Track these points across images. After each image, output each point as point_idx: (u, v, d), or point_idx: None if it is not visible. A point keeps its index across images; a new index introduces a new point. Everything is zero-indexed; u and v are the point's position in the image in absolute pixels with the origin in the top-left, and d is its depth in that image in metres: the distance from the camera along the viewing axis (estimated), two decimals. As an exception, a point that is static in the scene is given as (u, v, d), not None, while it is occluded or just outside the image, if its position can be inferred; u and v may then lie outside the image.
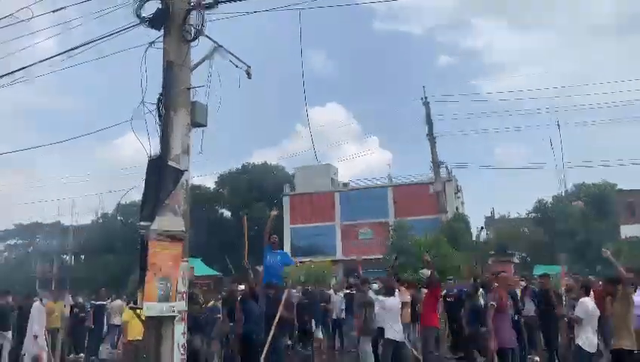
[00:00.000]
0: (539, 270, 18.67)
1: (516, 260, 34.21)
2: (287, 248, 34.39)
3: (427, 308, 9.18)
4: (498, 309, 7.28)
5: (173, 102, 5.68)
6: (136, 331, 9.48)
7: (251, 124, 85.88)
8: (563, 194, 36.14)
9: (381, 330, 8.72)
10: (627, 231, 32.97)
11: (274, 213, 9.75)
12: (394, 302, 8.57)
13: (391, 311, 8.41)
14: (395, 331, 8.27)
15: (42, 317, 10.75)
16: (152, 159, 5.60)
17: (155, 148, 5.70)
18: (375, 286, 10.76)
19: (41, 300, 11.84)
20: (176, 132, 5.62)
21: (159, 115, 5.76)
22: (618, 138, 64.44)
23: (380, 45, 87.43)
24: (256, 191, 43.96)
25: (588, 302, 7.09)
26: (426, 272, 10.22)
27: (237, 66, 6.61)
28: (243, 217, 9.93)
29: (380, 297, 8.91)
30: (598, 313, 7.01)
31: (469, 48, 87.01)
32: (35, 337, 10.54)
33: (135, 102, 5.78)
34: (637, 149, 67.02)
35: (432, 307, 9.18)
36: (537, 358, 10.47)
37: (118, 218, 47.27)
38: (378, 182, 38.37)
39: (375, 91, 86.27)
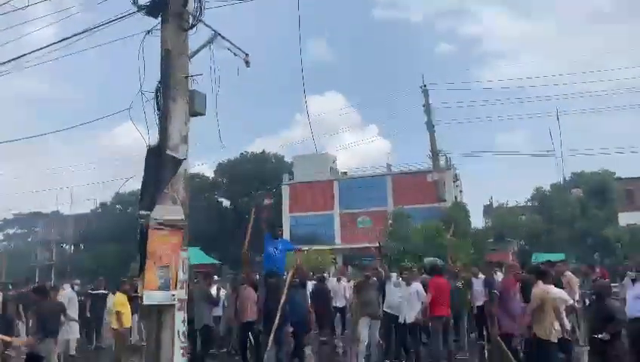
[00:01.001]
0: (537, 258, 18.77)
1: (515, 248, 34.38)
2: (286, 237, 34.44)
3: (431, 297, 9.23)
4: (501, 297, 7.58)
5: (172, 91, 5.65)
6: (127, 319, 9.74)
7: (250, 113, 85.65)
8: (562, 182, 36.22)
9: (396, 317, 9.22)
10: (626, 218, 33.08)
11: (268, 201, 9.77)
12: (413, 289, 9.14)
13: (412, 297, 9.05)
14: (411, 316, 8.94)
15: (72, 304, 10.91)
16: (150, 148, 5.60)
17: (153, 137, 5.71)
18: (394, 275, 11.08)
19: (72, 287, 12.17)
20: (175, 121, 5.61)
21: (157, 104, 5.74)
22: (617, 126, 64.52)
23: (379, 33, 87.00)
24: (255, 179, 43.99)
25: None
26: (431, 260, 10.49)
27: (235, 55, 6.58)
28: (251, 210, 9.82)
29: (401, 286, 9.39)
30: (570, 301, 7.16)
31: (468, 35, 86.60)
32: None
33: (134, 91, 5.77)
34: (636, 137, 67.09)
35: (433, 296, 9.15)
36: None
37: (117, 207, 47.36)
38: (377, 171, 38.38)
39: (375, 79, 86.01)
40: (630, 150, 45.23)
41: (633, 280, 7.94)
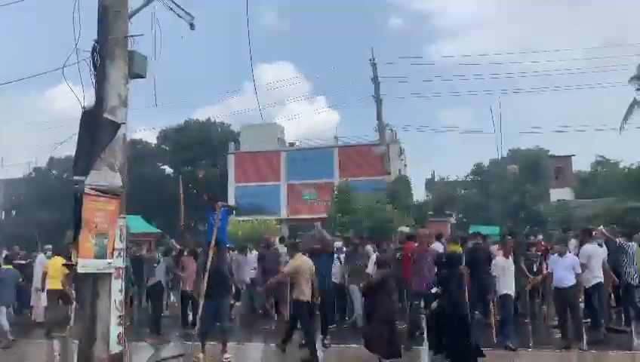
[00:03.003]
0: (474, 229, 19.57)
1: (453, 220, 35.75)
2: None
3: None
4: (417, 262, 8.70)
5: (110, 51, 5.36)
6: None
7: (196, 79, 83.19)
8: (499, 158, 37.75)
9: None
10: (556, 194, 35.07)
11: (201, 174, 9.61)
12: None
13: None
14: None
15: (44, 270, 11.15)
16: (86, 110, 5.33)
17: (90, 99, 5.43)
18: (339, 243, 11.52)
19: (44, 253, 12.30)
20: (113, 83, 5.34)
21: (94, 64, 5.44)
22: (554, 105, 67.58)
23: (333, 3, 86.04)
24: (200, 148, 43.04)
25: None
26: (405, 229, 10.94)
27: (179, 16, 6.34)
28: (179, 175, 9.70)
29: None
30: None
31: (420, 11, 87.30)
32: (37, 290, 11.24)
33: (70, 50, 5.43)
34: (570, 116, 70.61)
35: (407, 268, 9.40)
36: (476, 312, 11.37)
37: (52, 172, 45.19)
38: (324, 143, 38.48)
39: (326, 51, 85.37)
40: (562, 128, 47.76)
41: (560, 254, 8.50)
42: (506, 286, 8.41)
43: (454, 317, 6.92)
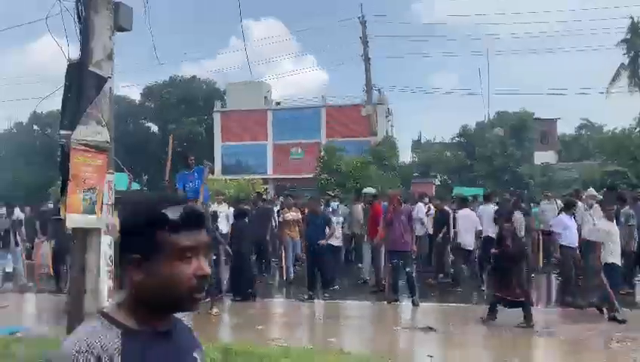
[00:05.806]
0: (458, 191, 19.84)
1: (437, 182, 36.14)
2: (217, 166, 34.05)
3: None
4: (389, 221, 9.14)
5: (94, 2, 5.19)
6: None
7: (181, 34, 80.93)
8: (486, 121, 37.83)
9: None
10: (540, 157, 35.49)
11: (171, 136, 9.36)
12: None
13: None
14: None
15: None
16: (71, 64, 5.20)
17: (74, 52, 5.29)
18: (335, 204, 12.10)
19: (22, 210, 12.77)
20: (98, 35, 5.18)
21: (78, 15, 5.27)
22: (542, 67, 67.41)
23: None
24: (186, 105, 42.35)
25: None
26: (371, 190, 11.49)
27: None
28: (170, 135, 9.48)
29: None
30: None
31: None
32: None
33: (52, 1, 5.24)
34: (558, 79, 70.66)
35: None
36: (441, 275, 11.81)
37: (34, 128, 44.34)
38: (311, 103, 38.14)
39: (315, 8, 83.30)
40: (548, 91, 47.85)
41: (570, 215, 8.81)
42: (612, 253, 7.49)
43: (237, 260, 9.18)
